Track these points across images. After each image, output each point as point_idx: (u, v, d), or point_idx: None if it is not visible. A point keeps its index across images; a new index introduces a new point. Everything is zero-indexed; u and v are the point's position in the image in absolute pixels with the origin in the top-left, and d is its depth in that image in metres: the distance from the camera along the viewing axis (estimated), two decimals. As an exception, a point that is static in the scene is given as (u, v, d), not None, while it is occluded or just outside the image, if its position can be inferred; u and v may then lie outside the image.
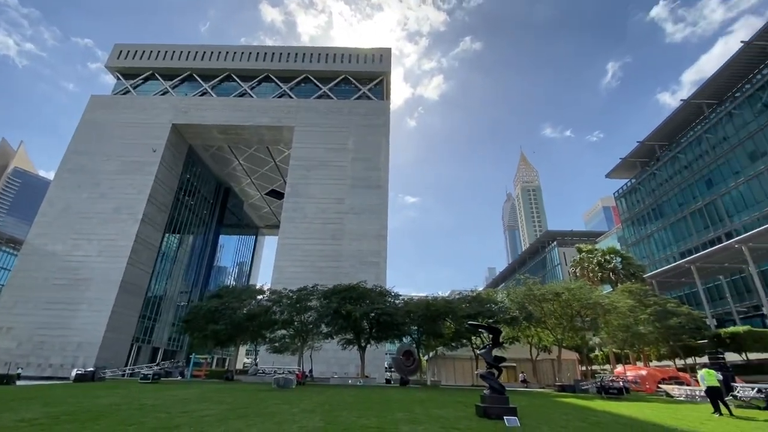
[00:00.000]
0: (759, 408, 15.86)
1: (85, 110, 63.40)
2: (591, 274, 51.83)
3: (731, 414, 14.32)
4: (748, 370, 30.08)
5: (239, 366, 74.37)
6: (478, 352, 33.04)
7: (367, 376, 36.11)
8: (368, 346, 35.78)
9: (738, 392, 15.50)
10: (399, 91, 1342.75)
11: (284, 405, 13.87)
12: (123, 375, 42.97)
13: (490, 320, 31.69)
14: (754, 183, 47.19)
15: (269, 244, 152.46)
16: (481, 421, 10.70)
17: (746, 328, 33.14)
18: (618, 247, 61.42)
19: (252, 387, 25.70)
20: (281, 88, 67.57)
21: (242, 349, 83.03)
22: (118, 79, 68.97)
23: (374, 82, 69.06)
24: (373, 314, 32.34)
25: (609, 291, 45.50)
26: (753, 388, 14.83)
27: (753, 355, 31.93)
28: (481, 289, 49.98)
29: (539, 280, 38.53)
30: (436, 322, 34.16)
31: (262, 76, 68.71)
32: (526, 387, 33.85)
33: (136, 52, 69.63)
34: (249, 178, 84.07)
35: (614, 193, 78.52)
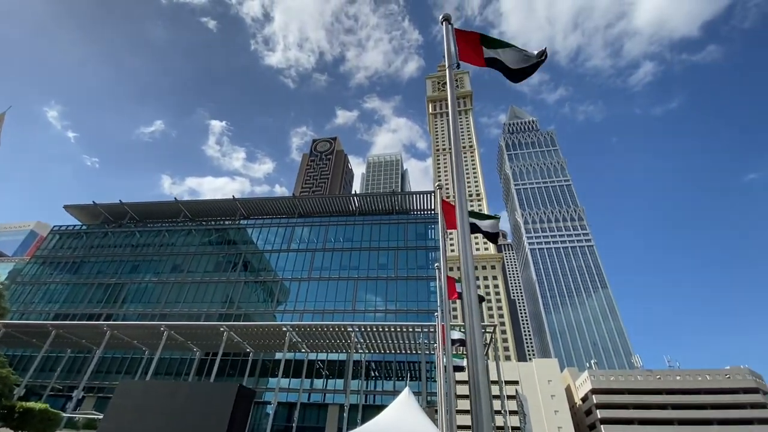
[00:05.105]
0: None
1: None
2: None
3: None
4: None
5: None
6: None
7: None
8: None
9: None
10: None
11: None
12: None
13: None
14: (158, 286, 56.90)
15: None
16: None
17: (45, 405, 32.99)
18: (3, 278, 50.68)
19: None
20: None
21: None
22: None
23: None
24: None
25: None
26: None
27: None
28: None
29: None
30: None
31: None
32: None
33: None
34: None
35: (55, 226, 69.61)
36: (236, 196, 64.21)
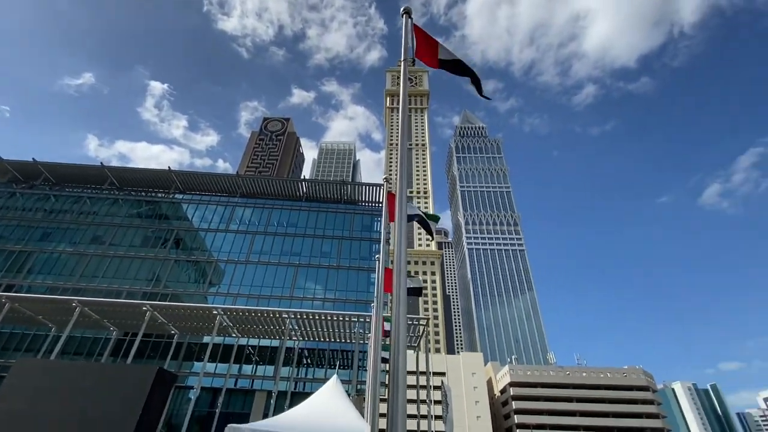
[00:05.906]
0: None
1: None
2: None
3: None
4: None
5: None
6: None
7: None
8: None
9: None
10: None
11: None
12: None
13: None
14: (73, 258, 51.47)
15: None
16: None
17: None
18: None
19: None
20: None
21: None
22: None
23: None
24: None
25: None
26: None
27: None
28: None
29: None
30: None
31: None
32: None
33: None
34: None
35: (-51, 180, 59.98)
36: (173, 168, 59.57)
